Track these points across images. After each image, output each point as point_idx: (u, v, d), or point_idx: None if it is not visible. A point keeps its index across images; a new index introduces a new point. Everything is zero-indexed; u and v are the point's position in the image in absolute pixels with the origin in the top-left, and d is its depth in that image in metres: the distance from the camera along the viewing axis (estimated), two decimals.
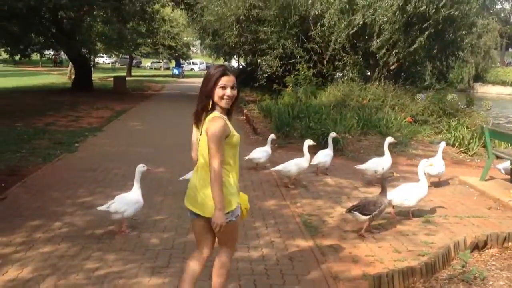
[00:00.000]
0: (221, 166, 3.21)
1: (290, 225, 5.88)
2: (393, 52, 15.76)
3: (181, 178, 6.95)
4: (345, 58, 17.88)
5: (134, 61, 62.43)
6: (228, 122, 3.32)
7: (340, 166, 9.53)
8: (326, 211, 6.52)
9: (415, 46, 15.09)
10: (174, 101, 23.28)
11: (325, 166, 8.80)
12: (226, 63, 43.86)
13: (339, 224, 5.99)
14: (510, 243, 4.95)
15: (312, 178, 8.48)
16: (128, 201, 5.44)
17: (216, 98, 3.28)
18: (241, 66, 34.48)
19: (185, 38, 52.66)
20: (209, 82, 3.28)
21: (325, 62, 18.43)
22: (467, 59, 26.42)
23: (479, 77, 54.36)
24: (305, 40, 18.37)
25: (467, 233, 5.62)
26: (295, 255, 4.94)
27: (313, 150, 8.46)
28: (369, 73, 19.03)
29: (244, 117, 16.48)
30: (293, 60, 18.39)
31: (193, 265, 3.51)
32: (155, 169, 8.46)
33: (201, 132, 3.32)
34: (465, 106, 16.06)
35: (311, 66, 17.91)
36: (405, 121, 13.38)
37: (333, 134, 8.90)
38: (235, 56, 35.30)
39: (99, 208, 5.37)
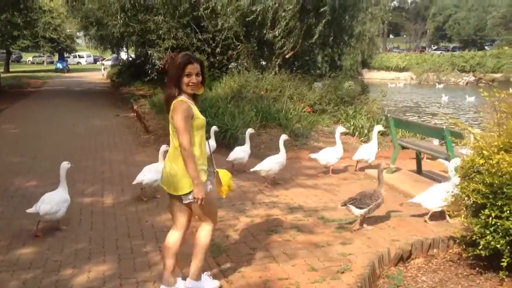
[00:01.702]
0: (191, 145, 3.46)
1: (189, 246, 4.99)
2: (290, 40, 15.28)
3: (134, 182, 6.45)
4: (239, 47, 17.16)
5: (13, 56, 57.70)
6: (193, 106, 3.60)
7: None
8: (229, 222, 5.72)
9: (315, 35, 14.69)
10: (57, 98, 21.37)
11: (242, 163, 8.21)
12: (114, 55, 41.68)
13: (245, 238, 5.21)
14: (435, 250, 4.47)
15: None
16: (57, 201, 5.33)
17: (183, 86, 3.57)
18: (130, 58, 32.64)
19: (68, 30, 49.20)
20: (177, 71, 3.56)
21: (217, 52, 17.57)
22: (356, 47, 26.97)
23: (365, 64, 56.71)
24: (197, 30, 17.38)
25: (384, 238, 5.10)
26: None
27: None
28: (264, 63, 18.51)
29: (135, 114, 15.24)
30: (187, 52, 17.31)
31: (172, 240, 3.89)
32: (26, 183, 7.18)
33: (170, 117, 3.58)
34: (360, 93, 16.06)
35: (206, 57, 16.98)
36: (304, 111, 12.96)
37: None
38: (124, 48, 33.35)
39: (28, 210, 5.20)
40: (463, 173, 4.18)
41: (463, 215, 3.96)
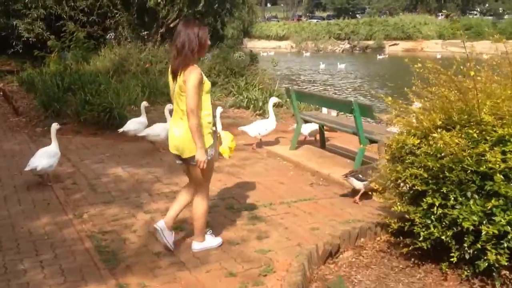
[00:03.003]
0: (198, 110, 3.73)
1: (78, 257, 4.13)
2: (174, 9, 14.25)
3: (27, 169, 5.76)
4: (117, 16, 15.77)
5: None
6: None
7: (130, 149, 7.89)
8: (125, 222, 4.89)
9: (200, 3, 13.82)
10: None
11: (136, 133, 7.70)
12: None
13: (147, 241, 4.45)
14: (362, 239, 4.06)
15: (98, 169, 6.70)
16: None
17: (202, 53, 3.95)
18: None
19: None
20: (204, 43, 3.85)
21: (93, 21, 15.99)
22: (236, 16, 26.51)
23: (245, 33, 56.57)
24: None
25: (302, 226, 4.63)
26: None
27: None
28: (145, 33, 17.25)
29: (1, 93, 13.40)
30: (60, 22, 15.53)
31: (185, 194, 4.23)
32: None
33: (177, 83, 3.83)
34: (250, 63, 15.52)
35: (80, 27, 15.37)
36: None
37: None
38: None
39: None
40: (391, 154, 3.77)
41: (398, 203, 3.56)
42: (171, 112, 4.88)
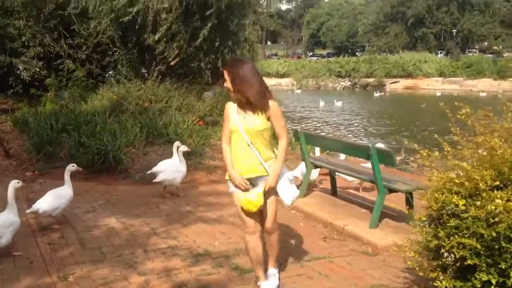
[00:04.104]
0: (224, 141, 3.95)
1: None
2: (173, 46, 13.86)
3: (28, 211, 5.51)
4: (116, 54, 15.38)
5: None
6: (232, 110, 3.87)
7: (126, 196, 7.31)
8: (116, 285, 4.28)
9: (199, 39, 13.44)
10: None
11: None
12: None
13: None
14: None
15: (89, 220, 6.11)
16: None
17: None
18: None
19: None
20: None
21: (92, 58, 15.60)
22: (238, 53, 26.28)
23: None
24: (67, 35, 15.30)
25: None
26: None
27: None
28: (145, 71, 16.85)
29: None
30: (58, 61, 15.15)
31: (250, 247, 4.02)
32: None
33: None
34: None
35: (79, 65, 14.96)
36: (195, 124, 11.66)
37: (178, 144, 7.52)
38: None
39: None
40: (428, 215, 3.20)
41: (441, 277, 2.95)
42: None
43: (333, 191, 6.91)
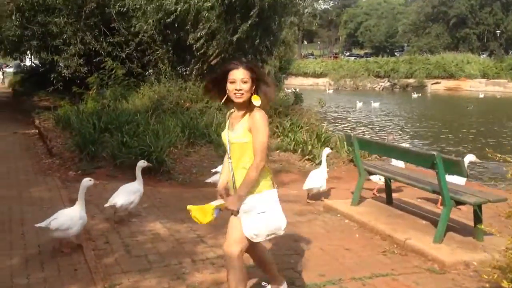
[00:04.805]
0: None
1: None
2: (213, 44, 13.59)
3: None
4: (157, 53, 15.25)
5: None
6: (231, 119, 3.43)
7: (170, 199, 7.07)
8: None
9: (237, 35, 13.12)
10: None
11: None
12: (16, 61, 37.81)
13: None
14: None
15: (134, 225, 5.88)
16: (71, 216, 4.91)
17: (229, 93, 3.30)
18: (34, 65, 29.38)
19: None
20: (220, 75, 3.34)
21: (133, 57, 15.51)
22: (275, 53, 25.97)
23: (281, 69, 56.31)
24: (108, 33, 15.25)
25: None
26: None
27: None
28: (185, 70, 16.68)
29: (36, 131, 12.94)
30: (98, 59, 15.15)
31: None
32: None
33: None
34: (294, 102, 14.68)
35: (119, 63, 14.89)
36: None
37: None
38: (28, 54, 29.86)
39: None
40: None
41: None
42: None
43: (389, 200, 6.50)
